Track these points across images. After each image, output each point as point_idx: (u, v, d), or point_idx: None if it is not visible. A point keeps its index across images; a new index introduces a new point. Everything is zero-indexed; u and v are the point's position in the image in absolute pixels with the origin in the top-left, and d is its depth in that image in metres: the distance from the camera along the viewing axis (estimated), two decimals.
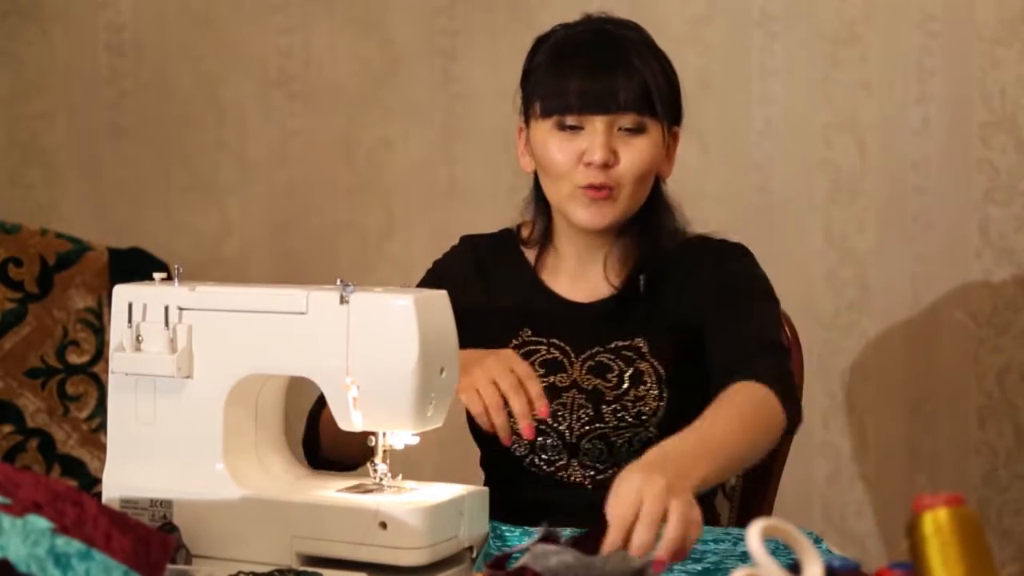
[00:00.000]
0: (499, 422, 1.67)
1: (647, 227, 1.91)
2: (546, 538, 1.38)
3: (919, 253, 2.74)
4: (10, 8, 3.18)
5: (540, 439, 1.88)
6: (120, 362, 1.61)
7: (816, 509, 2.81)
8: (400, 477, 1.59)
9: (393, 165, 3.03)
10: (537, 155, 1.87)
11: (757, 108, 2.81)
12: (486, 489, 1.62)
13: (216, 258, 3.10)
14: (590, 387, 1.87)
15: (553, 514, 1.71)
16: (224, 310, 1.59)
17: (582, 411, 1.87)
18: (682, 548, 1.43)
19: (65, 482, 1.30)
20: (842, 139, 2.76)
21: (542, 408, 1.66)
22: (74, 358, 2.82)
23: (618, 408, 1.86)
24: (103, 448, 2.37)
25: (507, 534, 1.69)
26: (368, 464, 1.59)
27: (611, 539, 1.41)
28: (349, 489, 1.58)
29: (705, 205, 2.57)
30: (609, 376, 1.87)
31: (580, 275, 1.93)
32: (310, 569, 1.51)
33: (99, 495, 1.61)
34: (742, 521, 2.10)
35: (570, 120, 1.82)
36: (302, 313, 1.56)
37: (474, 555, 1.59)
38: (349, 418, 1.55)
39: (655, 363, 1.87)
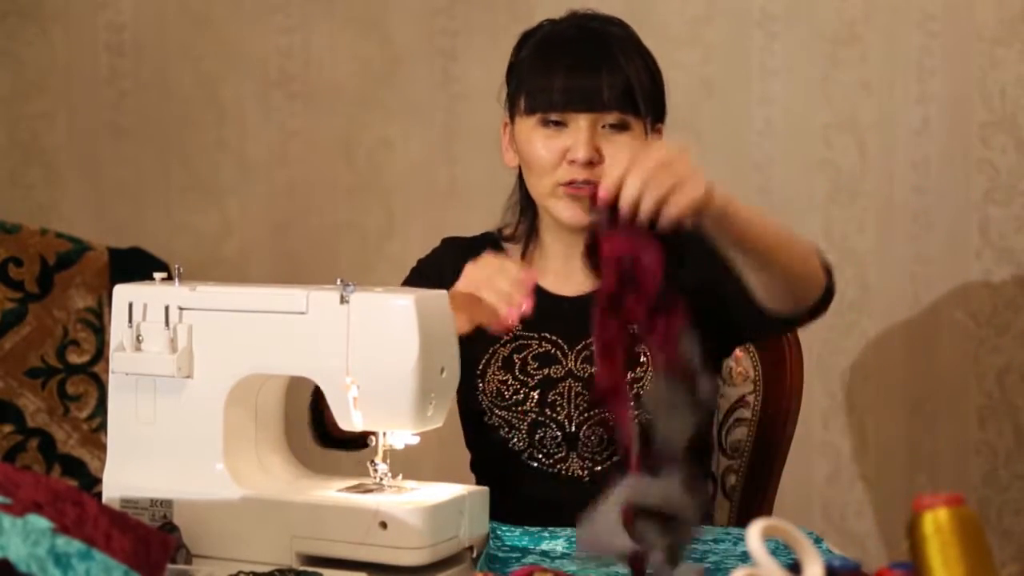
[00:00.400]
0: (489, 298, 1.67)
1: None
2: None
3: (919, 253, 2.73)
4: (10, 8, 3.18)
5: (540, 432, 1.88)
6: (120, 362, 1.61)
7: (816, 509, 2.81)
8: (400, 477, 1.59)
9: (393, 165, 3.03)
10: (521, 151, 1.88)
11: (757, 108, 2.81)
12: (486, 489, 1.62)
13: (216, 258, 3.10)
14: (586, 375, 1.87)
15: (549, 512, 1.71)
16: (224, 310, 1.59)
17: (579, 399, 1.87)
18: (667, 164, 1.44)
19: (65, 482, 1.30)
20: (842, 139, 2.76)
21: (530, 275, 1.67)
22: (74, 358, 2.82)
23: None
24: (103, 448, 2.37)
25: (506, 535, 1.69)
26: (368, 464, 1.59)
27: (615, 170, 1.44)
28: (349, 489, 1.58)
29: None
30: None
31: (567, 270, 1.93)
32: (310, 569, 1.51)
33: (99, 495, 1.61)
34: (742, 521, 2.10)
35: (554, 117, 1.83)
36: (302, 313, 1.56)
37: (474, 555, 1.59)
38: (349, 418, 1.55)
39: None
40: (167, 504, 1.59)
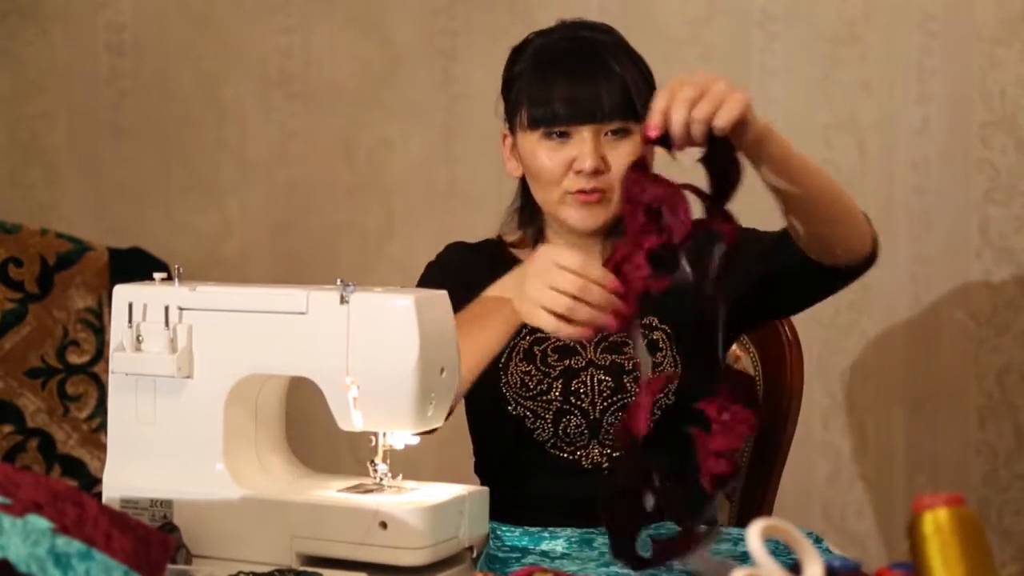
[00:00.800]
0: (583, 317, 1.56)
1: None
2: None
3: (919, 253, 2.73)
4: (10, 8, 3.18)
5: (564, 421, 1.89)
6: (120, 362, 1.61)
7: (816, 509, 2.81)
8: (400, 477, 1.59)
9: (393, 165, 3.03)
10: (526, 163, 1.90)
11: (757, 108, 2.77)
12: (486, 489, 1.62)
13: (216, 258, 3.10)
14: (607, 363, 1.90)
15: (564, 507, 1.72)
16: (224, 310, 1.59)
17: (603, 385, 1.89)
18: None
19: (65, 482, 1.30)
20: (842, 139, 2.76)
21: (610, 282, 1.56)
22: (74, 358, 2.82)
23: (639, 376, 1.87)
24: (103, 448, 2.37)
25: (506, 535, 1.69)
26: (368, 464, 1.59)
27: (656, 107, 1.55)
28: (349, 489, 1.58)
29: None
30: (625, 351, 1.90)
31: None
32: (310, 569, 1.51)
33: (99, 495, 1.61)
34: (742, 521, 2.10)
35: (557, 129, 1.86)
36: (302, 313, 1.56)
37: (474, 555, 1.59)
38: (349, 418, 1.55)
39: (668, 331, 1.90)
40: (167, 504, 1.59)
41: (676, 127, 1.54)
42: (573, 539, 1.67)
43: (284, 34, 3.07)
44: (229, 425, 1.59)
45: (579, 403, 1.89)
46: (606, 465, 1.89)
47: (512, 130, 1.93)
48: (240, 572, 1.50)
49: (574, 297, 1.56)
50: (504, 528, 1.69)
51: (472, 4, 2.95)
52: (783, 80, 2.79)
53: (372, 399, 1.53)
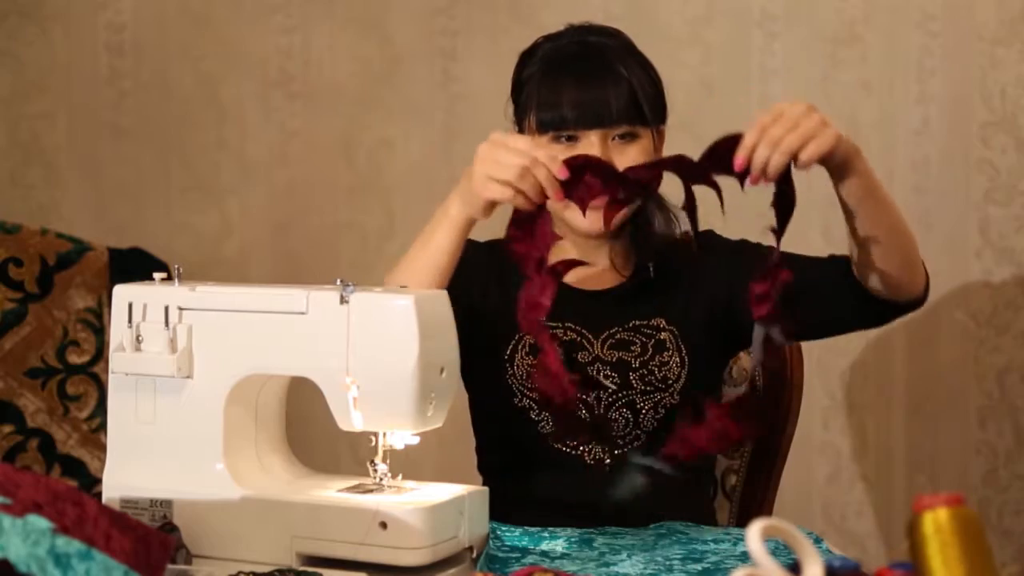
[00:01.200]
0: (527, 186, 1.64)
1: (642, 221, 1.97)
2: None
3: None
4: (10, 8, 3.18)
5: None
6: (120, 362, 1.61)
7: (816, 509, 2.81)
8: (400, 477, 1.59)
9: (393, 165, 3.03)
10: None
11: (757, 108, 2.81)
12: (486, 489, 1.62)
13: (216, 258, 3.10)
14: (614, 359, 1.91)
15: (565, 504, 1.73)
16: (224, 310, 1.59)
17: (609, 380, 1.90)
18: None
19: (65, 482, 1.30)
20: None
21: (560, 171, 1.64)
22: (74, 358, 2.82)
23: (644, 373, 1.90)
24: (103, 448, 2.37)
25: (506, 535, 1.69)
26: (368, 464, 1.59)
27: (744, 143, 1.62)
28: (349, 489, 1.58)
29: (704, 205, 2.56)
30: (632, 348, 1.92)
31: (585, 268, 1.95)
32: (310, 569, 1.51)
33: (99, 495, 1.61)
34: (742, 521, 2.10)
35: (566, 133, 1.88)
36: (302, 313, 1.56)
37: (474, 555, 1.59)
38: (349, 418, 1.55)
39: (675, 332, 1.92)
40: (167, 504, 1.59)
41: (757, 164, 1.62)
42: (573, 539, 1.68)
43: (284, 34, 3.07)
44: (229, 425, 1.59)
45: (584, 397, 1.90)
46: (608, 461, 1.89)
47: (521, 133, 1.95)
48: (240, 572, 1.50)
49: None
50: (504, 528, 1.69)
51: (472, 4, 2.95)
52: (783, 80, 2.79)
53: (372, 399, 1.53)
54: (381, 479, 1.58)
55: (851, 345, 2.77)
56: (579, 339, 1.92)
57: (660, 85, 1.94)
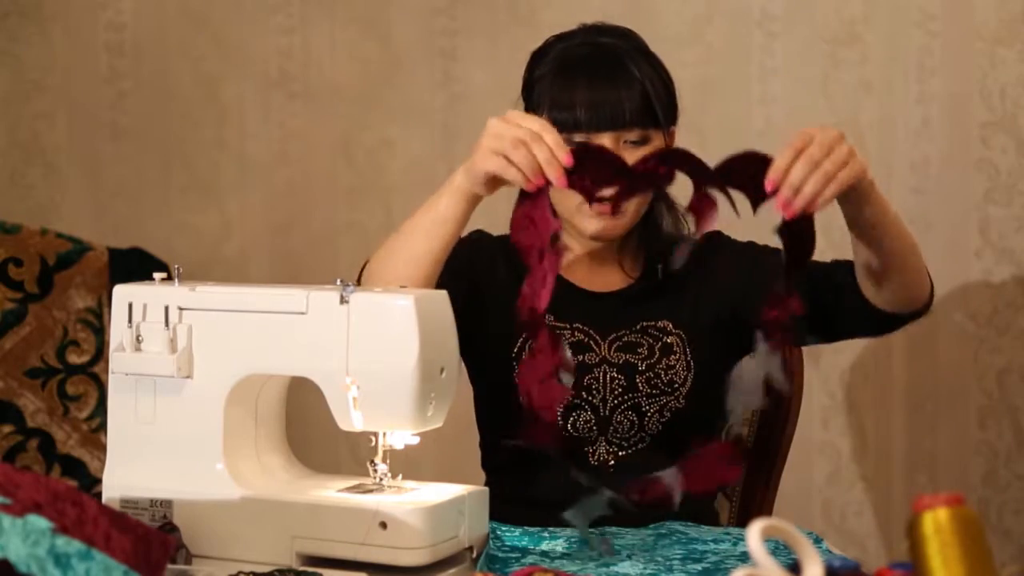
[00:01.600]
0: (521, 160, 1.63)
1: (651, 223, 1.97)
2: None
3: None
4: (10, 8, 3.18)
5: (574, 415, 1.90)
6: (120, 362, 1.61)
7: (816, 509, 2.81)
8: (400, 477, 1.59)
9: (393, 165, 3.03)
10: None
11: (757, 108, 2.81)
12: (486, 489, 1.62)
13: (216, 258, 3.10)
14: (620, 361, 1.91)
15: (567, 505, 1.73)
16: (224, 310, 1.59)
17: (615, 383, 1.90)
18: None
19: (65, 482, 1.30)
20: None
21: (565, 157, 1.62)
22: (74, 358, 2.82)
23: (651, 376, 1.90)
24: (103, 448, 2.37)
25: (506, 535, 1.69)
26: (368, 464, 1.59)
27: (778, 164, 1.59)
28: (349, 489, 1.58)
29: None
30: (639, 351, 1.92)
31: (595, 270, 1.98)
32: (310, 569, 1.51)
33: (99, 495, 1.61)
34: (742, 521, 2.10)
35: (578, 137, 1.85)
36: (302, 313, 1.56)
37: (474, 555, 1.59)
38: (349, 418, 1.55)
39: (682, 336, 1.92)
40: (167, 504, 1.59)
41: (790, 186, 1.59)
42: (573, 539, 1.68)
43: (284, 34, 3.07)
44: (229, 425, 1.59)
45: (590, 399, 1.90)
46: (612, 463, 1.89)
47: None
48: (240, 572, 1.50)
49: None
50: (504, 528, 1.69)
51: (472, 4, 2.95)
52: (783, 80, 2.79)
53: (372, 399, 1.53)
54: (381, 479, 1.58)
55: (851, 345, 2.77)
56: (586, 340, 1.92)
57: (672, 86, 1.93)
